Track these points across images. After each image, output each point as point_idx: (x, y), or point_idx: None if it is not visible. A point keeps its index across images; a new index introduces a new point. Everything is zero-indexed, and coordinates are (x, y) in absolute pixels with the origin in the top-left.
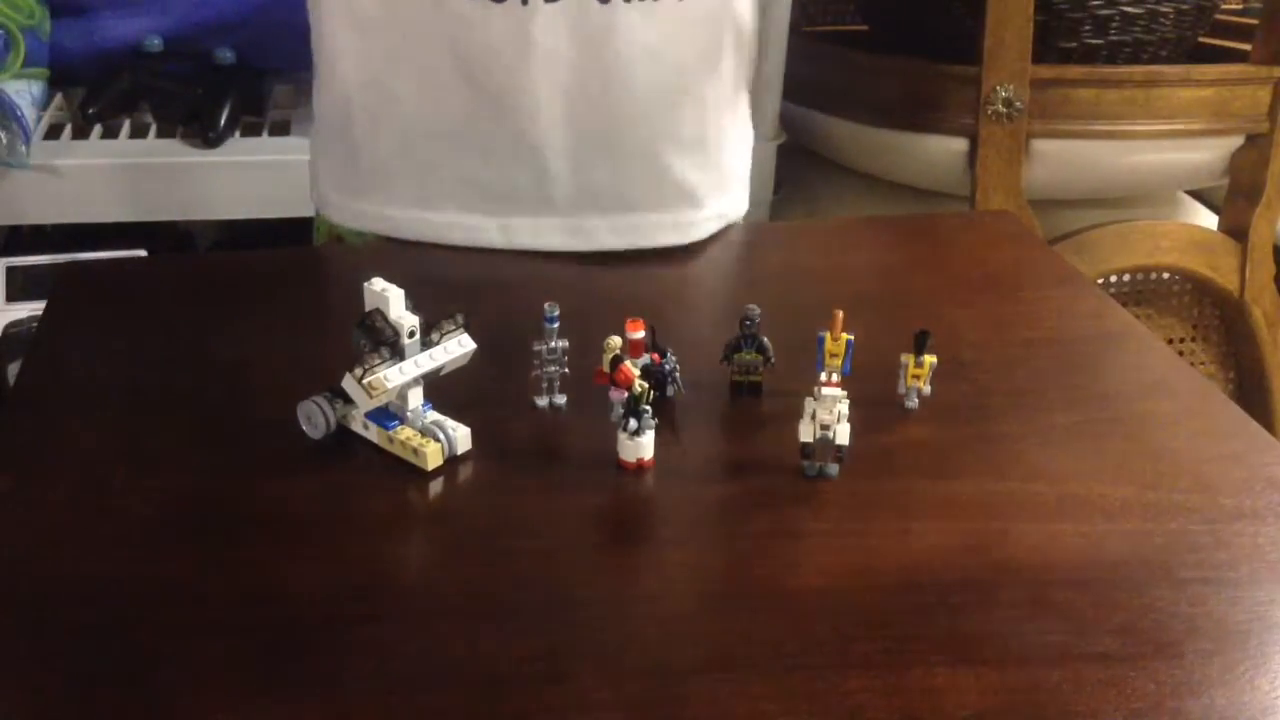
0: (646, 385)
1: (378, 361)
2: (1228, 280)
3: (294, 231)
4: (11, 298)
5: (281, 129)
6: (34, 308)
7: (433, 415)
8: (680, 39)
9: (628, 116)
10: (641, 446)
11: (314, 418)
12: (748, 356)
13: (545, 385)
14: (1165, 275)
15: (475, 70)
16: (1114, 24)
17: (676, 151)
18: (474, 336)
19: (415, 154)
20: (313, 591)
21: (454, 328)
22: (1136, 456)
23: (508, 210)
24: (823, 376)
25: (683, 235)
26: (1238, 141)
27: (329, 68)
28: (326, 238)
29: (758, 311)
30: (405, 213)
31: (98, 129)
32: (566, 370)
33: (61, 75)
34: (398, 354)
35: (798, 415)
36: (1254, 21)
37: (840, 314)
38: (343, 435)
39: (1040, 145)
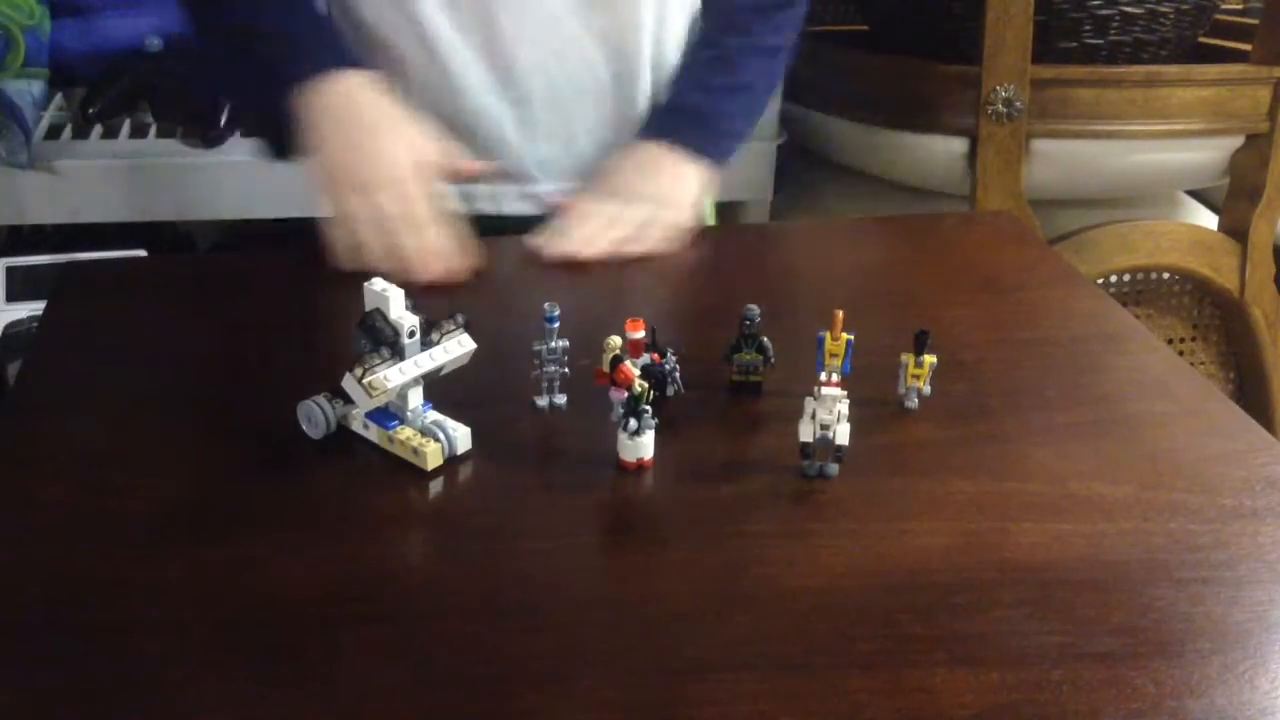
0: (646, 385)
1: (378, 361)
2: (1228, 280)
3: (294, 232)
4: (11, 298)
5: None
6: (34, 308)
7: (433, 415)
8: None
9: (571, 96)
10: (641, 446)
11: (314, 418)
12: (748, 356)
13: (545, 385)
14: (1165, 275)
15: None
16: (1114, 24)
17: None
18: (474, 336)
19: None
20: (313, 591)
21: (454, 328)
22: (1136, 456)
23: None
24: (823, 376)
25: None
26: (1238, 141)
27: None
28: None
29: (758, 311)
30: None
31: (98, 129)
32: (566, 370)
33: (61, 75)
34: (398, 354)
35: (798, 415)
36: (1254, 21)
37: (840, 314)
38: (343, 435)
39: (1040, 145)
